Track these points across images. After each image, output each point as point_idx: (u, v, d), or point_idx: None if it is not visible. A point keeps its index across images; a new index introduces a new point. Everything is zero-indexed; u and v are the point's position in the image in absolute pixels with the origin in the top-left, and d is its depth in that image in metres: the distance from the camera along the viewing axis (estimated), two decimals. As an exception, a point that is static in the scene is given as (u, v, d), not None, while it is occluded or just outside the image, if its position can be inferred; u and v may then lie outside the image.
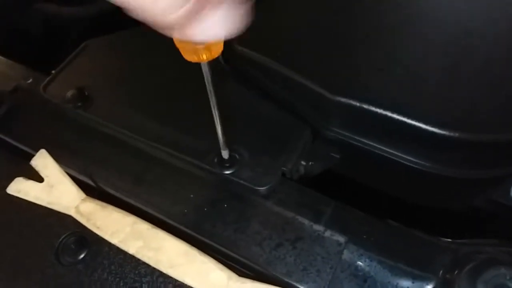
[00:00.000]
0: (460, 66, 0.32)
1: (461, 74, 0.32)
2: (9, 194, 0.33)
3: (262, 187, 0.30)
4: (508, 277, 0.23)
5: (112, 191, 0.33)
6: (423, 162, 0.32)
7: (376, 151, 0.32)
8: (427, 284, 0.25)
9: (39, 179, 0.33)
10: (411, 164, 0.32)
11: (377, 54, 0.33)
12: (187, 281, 0.28)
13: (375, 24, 0.36)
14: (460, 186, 0.32)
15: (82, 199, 0.32)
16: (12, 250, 0.32)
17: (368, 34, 0.35)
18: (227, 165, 0.31)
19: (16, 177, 0.33)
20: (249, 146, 0.32)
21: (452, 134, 0.29)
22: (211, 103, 0.26)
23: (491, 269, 0.23)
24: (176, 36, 0.19)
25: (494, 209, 0.33)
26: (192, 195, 0.31)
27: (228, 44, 0.30)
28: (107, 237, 0.31)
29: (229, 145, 0.30)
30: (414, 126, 0.30)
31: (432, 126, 0.29)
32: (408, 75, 0.32)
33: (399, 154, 0.32)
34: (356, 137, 0.33)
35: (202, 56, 0.22)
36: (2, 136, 0.37)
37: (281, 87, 0.34)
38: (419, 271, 0.26)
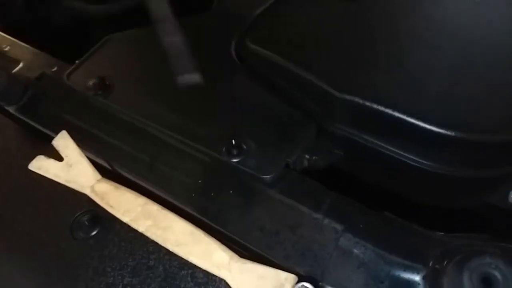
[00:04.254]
0: (461, 69, 0.34)
1: (462, 76, 0.33)
2: (30, 171, 0.35)
3: (267, 175, 0.32)
4: (493, 266, 0.24)
5: (125, 174, 0.35)
6: (423, 161, 0.33)
7: (378, 148, 0.34)
8: (418, 273, 0.27)
9: (59, 158, 0.35)
10: (411, 162, 0.33)
11: (383, 55, 0.35)
12: (191, 259, 0.30)
13: (382, 28, 0.38)
14: (458, 184, 0.34)
15: (98, 180, 0.34)
16: (30, 223, 0.34)
17: (375, 36, 0.37)
18: (235, 153, 0.33)
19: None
20: (256, 137, 0.34)
21: (451, 133, 0.31)
22: None
23: (477, 258, 0.24)
24: None
25: (490, 212, 0.34)
26: (200, 181, 0.33)
27: (242, 42, 0.32)
28: (119, 215, 0.33)
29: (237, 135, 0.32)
30: (414, 124, 0.31)
31: (432, 125, 0.31)
32: (412, 76, 0.34)
33: (400, 152, 0.33)
34: (359, 134, 0.34)
35: None
36: (27, 119, 0.40)
37: (289, 83, 0.36)
38: (410, 261, 0.27)
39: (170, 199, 0.33)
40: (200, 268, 0.30)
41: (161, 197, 0.33)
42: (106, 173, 0.35)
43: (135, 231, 0.32)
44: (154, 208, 0.32)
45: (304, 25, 0.40)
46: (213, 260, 0.30)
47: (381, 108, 0.32)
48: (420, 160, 0.33)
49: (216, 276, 0.29)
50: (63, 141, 0.36)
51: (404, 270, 0.27)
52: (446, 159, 0.33)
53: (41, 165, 0.35)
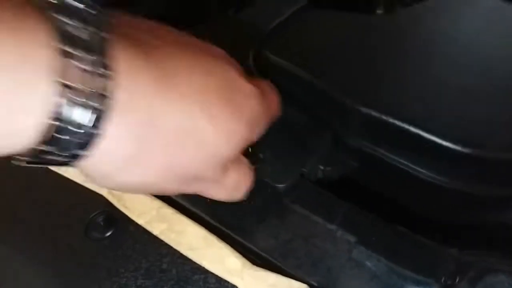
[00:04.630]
0: (479, 85, 0.34)
1: (478, 93, 0.34)
2: (49, 170, 0.36)
3: (281, 184, 0.32)
4: (507, 285, 0.24)
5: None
6: (438, 176, 0.33)
7: (393, 162, 0.34)
8: (430, 288, 0.27)
9: (78, 159, 0.36)
10: (426, 178, 0.33)
11: (401, 69, 0.36)
12: (204, 264, 0.30)
13: (402, 42, 0.38)
14: (473, 202, 0.34)
15: (115, 181, 0.35)
16: (46, 222, 0.35)
17: (394, 50, 0.37)
18: (250, 162, 0.33)
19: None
20: (272, 146, 0.34)
21: (467, 150, 0.31)
22: None
23: (490, 276, 0.24)
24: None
25: (505, 231, 0.34)
26: (215, 187, 0.34)
27: (260, 52, 0.33)
28: (134, 217, 0.33)
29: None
30: (430, 140, 0.32)
31: (448, 141, 0.31)
32: (429, 91, 0.34)
33: (415, 167, 0.33)
34: (374, 147, 0.35)
35: None
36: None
37: (306, 94, 0.36)
38: (423, 276, 0.27)
39: (185, 204, 0.33)
40: (212, 273, 0.30)
41: (176, 201, 0.34)
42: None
43: (149, 233, 0.32)
44: (169, 211, 0.33)
45: (323, 36, 0.41)
46: (226, 266, 0.30)
47: (397, 123, 0.32)
48: (435, 176, 0.33)
49: (228, 282, 0.30)
50: (83, 142, 0.37)
51: (417, 285, 0.27)
52: (461, 175, 0.33)
53: (60, 164, 0.36)
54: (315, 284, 0.28)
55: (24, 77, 0.16)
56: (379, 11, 0.52)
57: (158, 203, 0.33)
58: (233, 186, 0.27)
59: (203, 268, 0.30)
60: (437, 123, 0.32)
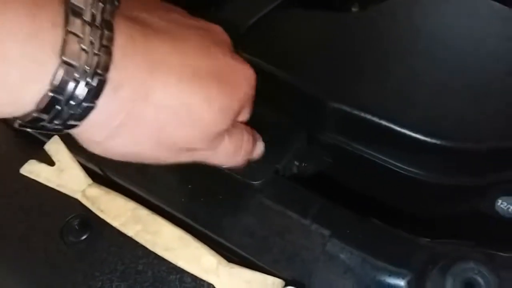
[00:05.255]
0: (449, 78, 0.35)
1: (450, 86, 0.34)
2: (22, 175, 0.35)
3: (256, 181, 0.32)
4: (476, 271, 0.24)
5: (117, 179, 0.35)
6: (411, 168, 0.34)
7: (366, 156, 0.34)
8: (403, 278, 0.27)
9: (51, 163, 0.36)
10: (399, 170, 0.34)
11: (372, 64, 0.36)
12: (180, 264, 0.30)
13: (372, 37, 0.39)
14: (446, 192, 0.34)
15: (89, 184, 0.35)
16: (20, 227, 0.34)
17: (366, 46, 0.38)
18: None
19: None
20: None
21: (438, 142, 0.32)
22: None
23: (460, 263, 0.25)
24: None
25: (478, 219, 0.35)
26: (190, 186, 0.34)
27: (235, 51, 0.33)
28: (109, 220, 0.33)
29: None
30: (402, 133, 0.32)
31: (419, 134, 0.32)
32: (401, 85, 0.35)
33: (388, 160, 0.34)
34: (347, 142, 0.35)
35: None
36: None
37: (281, 91, 0.37)
38: (396, 266, 0.28)
39: (160, 204, 0.33)
40: (188, 273, 0.30)
41: (151, 202, 0.34)
42: (97, 178, 0.35)
43: (125, 235, 0.32)
44: (144, 212, 0.33)
45: (296, 34, 0.41)
46: (201, 265, 0.30)
47: (369, 117, 0.33)
48: (408, 168, 0.34)
49: (204, 281, 0.29)
50: (55, 146, 0.36)
51: (389, 275, 0.27)
52: (433, 167, 0.34)
53: (32, 169, 0.35)
54: (290, 278, 0.28)
55: (32, 51, 0.18)
56: (354, 9, 0.53)
57: (132, 205, 0.33)
58: (230, 152, 0.28)
59: (179, 268, 0.30)
60: (408, 117, 0.33)
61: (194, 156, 0.27)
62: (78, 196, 0.34)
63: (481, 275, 0.25)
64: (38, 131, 0.21)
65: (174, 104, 0.22)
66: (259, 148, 0.32)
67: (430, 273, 0.26)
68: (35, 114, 0.19)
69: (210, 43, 0.25)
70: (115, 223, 0.33)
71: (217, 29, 0.28)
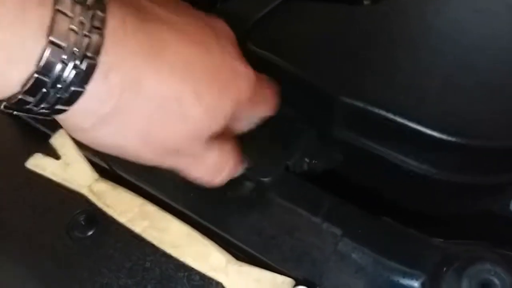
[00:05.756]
0: (464, 75, 0.34)
1: (464, 82, 0.33)
2: (27, 169, 0.35)
3: (266, 177, 0.31)
4: (492, 273, 0.24)
5: (124, 174, 0.35)
6: (423, 166, 0.33)
7: (378, 152, 0.34)
8: (416, 280, 0.27)
9: (56, 157, 0.35)
10: (412, 168, 0.33)
11: (384, 59, 0.35)
12: (188, 261, 0.30)
13: (385, 32, 0.38)
14: (459, 191, 0.34)
15: (95, 179, 0.34)
16: (26, 222, 0.34)
17: (378, 41, 0.37)
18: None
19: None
20: (256, 139, 0.33)
21: (452, 139, 0.31)
22: None
23: (476, 264, 0.24)
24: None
25: (491, 219, 0.34)
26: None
27: (242, 44, 0.32)
28: (116, 215, 0.32)
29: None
30: (415, 129, 0.31)
31: (433, 131, 0.31)
32: (413, 81, 0.34)
33: (400, 157, 0.33)
34: (358, 139, 0.34)
35: None
36: (26, 117, 0.40)
37: (291, 86, 0.36)
38: (409, 267, 0.27)
39: (168, 200, 0.33)
40: (196, 271, 0.29)
41: (159, 198, 0.33)
42: (104, 173, 0.35)
43: (131, 232, 0.32)
44: (151, 208, 0.32)
45: (306, 28, 0.40)
46: (210, 263, 0.29)
47: (381, 112, 0.32)
48: (421, 166, 0.33)
49: (213, 279, 0.29)
50: (61, 140, 0.36)
51: (403, 277, 0.27)
52: (447, 165, 0.33)
53: (38, 163, 0.35)
54: (300, 278, 0.27)
55: (18, 31, 0.17)
56: (365, 2, 0.52)
57: (140, 200, 0.32)
58: (214, 165, 0.26)
59: (187, 265, 0.30)
60: (421, 113, 0.32)
61: (177, 162, 0.25)
62: (84, 191, 0.34)
63: (498, 276, 0.24)
64: (25, 114, 0.20)
65: (164, 95, 0.21)
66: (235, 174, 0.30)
67: (445, 274, 0.25)
68: (20, 96, 0.18)
69: (209, 37, 0.24)
70: (122, 219, 0.32)
71: (220, 23, 0.26)
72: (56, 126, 0.37)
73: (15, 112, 0.20)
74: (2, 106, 0.19)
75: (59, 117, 0.21)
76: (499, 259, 0.25)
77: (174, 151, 0.24)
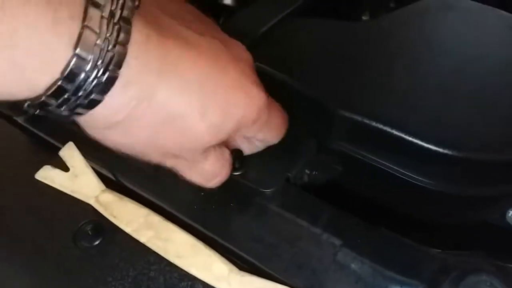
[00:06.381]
0: (460, 88, 0.35)
1: (461, 96, 0.34)
2: (36, 180, 0.36)
3: (267, 189, 0.32)
4: (489, 284, 0.24)
5: (129, 185, 0.36)
6: (421, 178, 0.34)
7: (376, 164, 0.34)
8: (414, 289, 0.27)
9: (65, 169, 0.36)
10: (409, 179, 0.34)
11: (383, 73, 0.36)
12: (192, 271, 0.30)
13: (383, 47, 0.39)
14: (456, 202, 0.34)
15: (102, 190, 0.35)
16: (35, 232, 0.35)
17: (376, 56, 0.38)
18: (236, 167, 0.33)
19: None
20: (258, 152, 0.34)
21: (449, 152, 0.32)
22: None
23: (473, 275, 0.25)
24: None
25: (488, 230, 0.35)
26: (202, 193, 0.34)
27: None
28: (122, 226, 0.33)
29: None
30: (412, 142, 0.32)
31: (430, 143, 0.32)
32: (411, 94, 0.35)
33: (398, 169, 0.34)
34: (357, 151, 0.35)
35: None
36: (35, 130, 0.41)
37: (290, 99, 0.37)
38: (407, 277, 0.28)
39: (172, 211, 0.34)
40: (199, 280, 0.30)
41: (164, 208, 0.34)
42: (111, 184, 0.36)
43: (137, 241, 0.32)
44: (156, 219, 0.33)
45: (307, 43, 0.41)
46: (213, 272, 0.30)
47: (379, 126, 0.33)
48: (418, 178, 0.34)
49: (215, 288, 0.30)
50: (70, 152, 0.37)
51: (401, 286, 0.27)
52: (444, 177, 0.34)
53: (47, 175, 0.36)
54: (300, 287, 0.28)
55: (49, 41, 0.19)
56: (364, 18, 0.53)
57: (145, 211, 0.33)
58: (209, 171, 0.28)
59: (191, 275, 0.30)
60: (418, 125, 0.33)
61: (176, 164, 0.28)
62: (91, 201, 0.35)
63: (493, 287, 0.25)
64: (44, 113, 0.22)
65: (171, 111, 0.23)
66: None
67: (442, 285, 0.26)
68: (43, 98, 0.20)
69: (224, 57, 0.25)
70: (127, 229, 0.33)
71: (237, 45, 0.28)
72: (65, 139, 0.38)
73: (37, 112, 0.22)
74: (25, 105, 0.21)
75: (76, 118, 0.23)
76: (495, 270, 0.26)
77: (174, 155, 0.26)
